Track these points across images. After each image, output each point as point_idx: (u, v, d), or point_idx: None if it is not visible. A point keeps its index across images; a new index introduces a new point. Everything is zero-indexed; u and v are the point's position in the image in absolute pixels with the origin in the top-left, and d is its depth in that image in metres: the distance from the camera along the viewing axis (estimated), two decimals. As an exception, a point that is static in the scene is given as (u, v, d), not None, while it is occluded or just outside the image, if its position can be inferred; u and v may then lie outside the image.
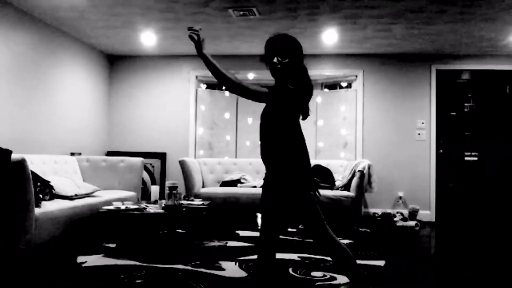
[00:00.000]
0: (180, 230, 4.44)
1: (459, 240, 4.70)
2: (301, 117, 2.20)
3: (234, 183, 5.77)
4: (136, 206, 3.88)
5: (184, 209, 3.90)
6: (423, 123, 6.21)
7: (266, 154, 2.14)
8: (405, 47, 5.91)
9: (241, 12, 4.60)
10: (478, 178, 6.16)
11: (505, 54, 6.11)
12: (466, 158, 6.21)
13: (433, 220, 6.12)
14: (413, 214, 5.70)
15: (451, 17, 4.69)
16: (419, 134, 6.21)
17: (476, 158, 6.19)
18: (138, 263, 3.34)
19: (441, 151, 6.21)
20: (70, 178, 4.35)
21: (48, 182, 3.77)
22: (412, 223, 5.33)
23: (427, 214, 6.13)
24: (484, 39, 5.47)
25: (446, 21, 4.81)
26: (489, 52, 6.07)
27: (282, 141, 2.09)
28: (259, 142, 2.17)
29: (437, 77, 6.25)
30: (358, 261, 3.50)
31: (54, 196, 3.80)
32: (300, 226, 4.89)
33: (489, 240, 4.74)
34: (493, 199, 6.11)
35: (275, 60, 2.19)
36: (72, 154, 5.51)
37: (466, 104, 6.25)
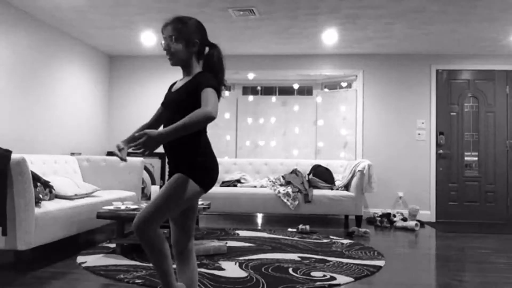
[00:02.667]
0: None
1: (459, 240, 4.70)
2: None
3: (234, 183, 5.78)
4: (136, 206, 3.88)
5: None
6: (423, 123, 6.21)
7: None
8: (405, 47, 5.92)
9: (241, 12, 4.60)
10: (478, 178, 6.16)
11: (505, 54, 6.11)
12: (466, 158, 6.21)
13: (433, 220, 6.13)
14: (413, 214, 5.70)
15: (451, 17, 4.69)
16: (419, 134, 6.22)
17: (476, 158, 6.19)
18: (138, 263, 3.34)
19: (441, 151, 6.21)
20: (70, 178, 4.34)
21: (48, 182, 3.77)
22: (412, 223, 5.33)
23: (427, 214, 6.13)
24: (484, 39, 5.48)
25: (446, 21, 4.81)
26: (489, 52, 6.08)
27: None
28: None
29: (437, 77, 6.25)
30: (359, 262, 3.51)
31: (54, 196, 3.80)
32: (301, 226, 4.90)
33: (488, 240, 4.74)
34: (493, 199, 6.12)
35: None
36: (72, 154, 5.52)
37: (466, 104, 6.25)
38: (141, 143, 1.70)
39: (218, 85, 1.93)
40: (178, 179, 1.89)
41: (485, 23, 4.86)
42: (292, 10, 4.54)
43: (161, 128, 1.77)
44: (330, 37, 5.48)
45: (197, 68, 2.03)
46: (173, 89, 2.08)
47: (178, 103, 1.94)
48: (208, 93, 1.82)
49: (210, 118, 1.75)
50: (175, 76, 6.52)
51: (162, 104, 2.11)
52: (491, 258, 3.85)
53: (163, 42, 2.00)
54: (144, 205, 4.08)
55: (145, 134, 1.69)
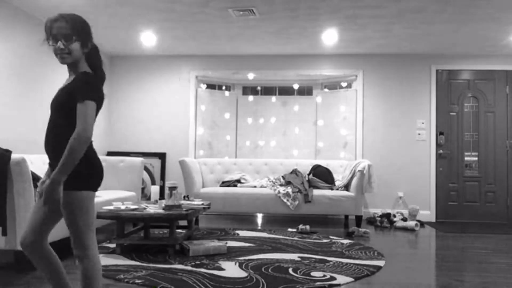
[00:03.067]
0: (180, 230, 4.45)
1: (459, 240, 4.70)
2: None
3: (234, 183, 5.78)
4: (136, 206, 3.88)
5: (184, 209, 3.90)
6: (423, 123, 6.21)
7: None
8: (405, 47, 5.92)
9: (241, 12, 4.60)
10: (478, 178, 6.16)
11: (505, 54, 6.11)
12: (466, 158, 6.21)
13: (433, 220, 6.13)
14: (413, 214, 5.70)
15: (451, 17, 4.69)
16: (419, 134, 6.22)
17: (476, 158, 6.19)
18: (137, 263, 3.34)
19: (441, 151, 6.21)
20: (70, 178, 4.33)
21: (48, 182, 3.76)
22: (412, 223, 5.33)
23: (427, 214, 6.13)
24: (484, 39, 5.48)
25: (446, 21, 4.81)
26: (489, 52, 6.08)
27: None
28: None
29: (437, 77, 6.26)
30: (359, 262, 3.51)
31: (54, 196, 3.79)
32: (301, 226, 4.90)
33: (488, 240, 4.74)
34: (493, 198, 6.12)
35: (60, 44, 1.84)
36: (72, 154, 5.51)
37: (466, 104, 6.25)
38: (45, 202, 1.71)
39: (98, 86, 1.87)
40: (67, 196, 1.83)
41: (485, 23, 4.86)
42: (292, 10, 4.54)
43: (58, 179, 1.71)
44: (330, 37, 5.48)
45: (83, 66, 1.94)
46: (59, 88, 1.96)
47: (59, 103, 1.85)
48: (80, 110, 1.76)
49: (85, 140, 1.72)
50: (175, 76, 6.52)
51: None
52: (491, 258, 3.85)
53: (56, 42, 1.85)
54: (144, 205, 4.08)
55: (43, 193, 1.74)
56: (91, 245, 1.85)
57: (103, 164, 5.21)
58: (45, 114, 5.08)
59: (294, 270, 3.21)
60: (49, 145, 1.88)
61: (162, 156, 6.50)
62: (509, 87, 6.20)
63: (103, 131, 6.49)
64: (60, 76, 5.37)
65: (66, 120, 1.83)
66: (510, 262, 3.71)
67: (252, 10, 4.52)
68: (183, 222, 5.35)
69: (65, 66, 5.50)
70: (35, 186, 3.46)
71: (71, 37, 1.86)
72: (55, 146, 1.85)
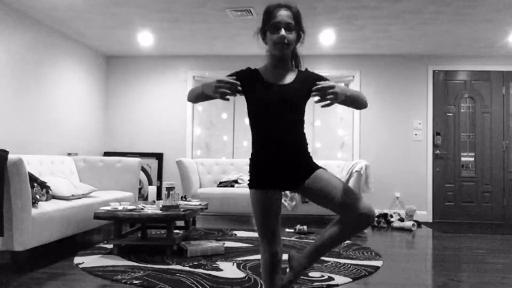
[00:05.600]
0: (177, 231, 4.44)
1: (456, 240, 4.71)
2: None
3: (231, 183, 5.78)
4: (133, 207, 3.87)
5: (181, 209, 3.89)
6: (419, 123, 6.23)
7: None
8: (402, 47, 5.93)
9: (239, 13, 4.60)
10: (474, 178, 6.18)
11: (501, 55, 6.13)
12: (462, 159, 6.23)
13: (430, 220, 6.14)
14: (409, 215, 5.71)
15: (448, 18, 4.71)
16: (415, 134, 6.23)
17: (472, 159, 6.21)
18: (135, 264, 3.33)
19: (437, 151, 6.22)
20: (67, 179, 4.33)
21: (45, 182, 3.76)
22: (409, 223, 5.34)
23: (424, 214, 6.14)
24: (481, 40, 5.50)
25: (443, 22, 4.82)
26: (485, 53, 6.10)
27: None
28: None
29: (433, 78, 6.28)
30: (357, 262, 3.52)
31: (51, 196, 3.78)
32: (298, 227, 4.90)
33: (485, 240, 4.75)
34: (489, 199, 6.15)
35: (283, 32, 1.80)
36: (69, 154, 5.50)
37: (462, 105, 6.27)
38: (334, 93, 1.70)
39: None
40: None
41: (481, 24, 4.88)
42: (289, 11, 4.54)
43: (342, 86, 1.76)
44: (327, 37, 5.48)
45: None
46: (280, 82, 1.87)
47: (299, 99, 1.87)
48: (352, 90, 1.88)
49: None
50: (172, 76, 6.50)
51: (260, 100, 1.87)
52: (488, 258, 3.87)
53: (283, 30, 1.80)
54: (141, 205, 4.07)
55: (334, 86, 1.71)
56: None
57: (100, 164, 5.20)
58: (42, 113, 5.06)
59: (292, 271, 3.20)
60: (292, 143, 1.86)
61: (159, 157, 6.49)
62: (505, 87, 6.23)
63: (100, 132, 6.47)
64: (57, 76, 5.36)
65: (301, 116, 1.90)
66: (506, 262, 3.72)
67: (250, 10, 4.52)
68: (181, 223, 5.33)
69: (60, 67, 5.48)
70: (32, 187, 3.45)
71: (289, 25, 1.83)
72: (301, 144, 1.89)
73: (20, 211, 3.10)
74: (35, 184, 3.57)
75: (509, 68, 6.20)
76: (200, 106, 6.60)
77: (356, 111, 6.29)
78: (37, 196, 3.48)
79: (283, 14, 1.80)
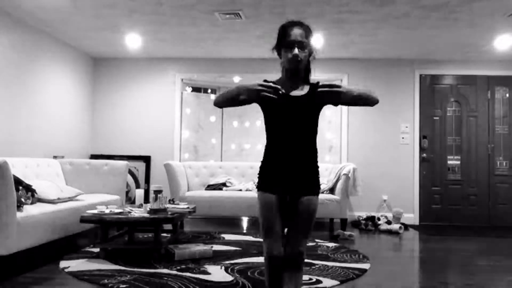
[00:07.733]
0: (165, 234, 4.41)
1: (443, 243, 4.75)
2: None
3: (219, 186, 5.76)
4: (120, 210, 3.84)
5: (169, 213, 3.87)
6: (407, 127, 6.28)
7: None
8: (389, 51, 5.98)
9: (227, 16, 4.60)
10: (460, 181, 6.25)
11: (487, 59, 6.22)
12: (449, 162, 6.29)
13: (417, 223, 6.19)
14: (397, 217, 5.75)
15: (435, 23, 4.76)
16: (403, 138, 6.28)
17: (458, 162, 6.28)
18: (122, 268, 3.30)
19: (424, 155, 6.28)
20: (53, 182, 4.28)
21: (30, 185, 3.70)
22: (396, 226, 5.38)
23: (411, 217, 6.19)
24: (467, 45, 5.57)
25: (429, 27, 4.88)
26: (471, 58, 6.18)
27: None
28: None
29: (420, 82, 6.34)
30: (344, 265, 3.53)
31: (36, 200, 3.73)
32: (286, 230, 4.89)
33: (471, 242, 4.80)
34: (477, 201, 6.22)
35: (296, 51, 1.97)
36: (55, 157, 5.43)
37: (449, 109, 6.34)
38: (336, 92, 1.84)
39: None
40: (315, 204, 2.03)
41: (467, 29, 4.95)
42: (278, 14, 4.56)
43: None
44: (315, 41, 5.51)
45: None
46: (294, 94, 2.02)
47: (311, 111, 2.01)
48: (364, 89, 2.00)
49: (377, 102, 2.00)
50: (160, 79, 6.47)
51: (275, 111, 2.00)
52: (474, 260, 3.91)
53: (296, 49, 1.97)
54: (128, 209, 4.03)
55: (340, 86, 1.86)
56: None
57: (87, 167, 5.15)
58: (27, 115, 5.00)
59: (280, 274, 3.20)
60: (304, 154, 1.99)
61: (146, 159, 6.45)
62: (491, 92, 6.32)
63: (86, 134, 6.41)
64: (43, 78, 5.29)
65: (314, 127, 2.02)
66: (492, 264, 3.77)
67: (239, 13, 4.52)
68: (168, 226, 5.30)
69: (46, 69, 5.42)
70: (17, 190, 3.40)
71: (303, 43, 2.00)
72: (311, 155, 2.01)
73: (5, 214, 3.05)
74: (20, 187, 3.52)
75: (495, 72, 6.29)
76: (188, 109, 6.57)
77: (345, 115, 6.32)
78: (22, 200, 3.43)
79: (297, 33, 1.98)
